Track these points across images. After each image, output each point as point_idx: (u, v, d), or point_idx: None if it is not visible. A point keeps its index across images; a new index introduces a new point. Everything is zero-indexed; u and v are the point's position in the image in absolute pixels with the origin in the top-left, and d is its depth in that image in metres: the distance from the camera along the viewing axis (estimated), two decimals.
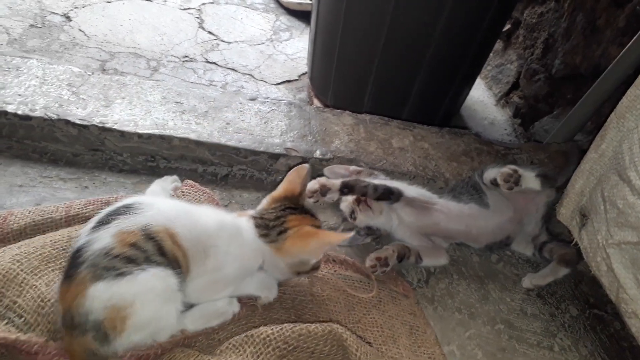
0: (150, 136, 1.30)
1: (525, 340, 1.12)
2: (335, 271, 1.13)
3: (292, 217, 0.95)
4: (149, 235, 0.80)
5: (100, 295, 0.73)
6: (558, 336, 1.15)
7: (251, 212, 1.00)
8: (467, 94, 2.05)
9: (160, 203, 0.90)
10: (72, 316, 0.74)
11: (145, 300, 0.77)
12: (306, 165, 1.03)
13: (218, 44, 2.40)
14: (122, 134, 1.30)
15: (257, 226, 0.95)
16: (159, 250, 0.80)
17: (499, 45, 2.36)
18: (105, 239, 0.77)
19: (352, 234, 0.99)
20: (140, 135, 1.30)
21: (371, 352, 0.90)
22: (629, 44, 1.43)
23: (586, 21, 1.75)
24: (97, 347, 0.74)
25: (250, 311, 0.99)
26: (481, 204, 1.24)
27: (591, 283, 1.28)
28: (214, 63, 2.23)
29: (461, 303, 1.17)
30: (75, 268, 0.75)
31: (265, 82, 2.21)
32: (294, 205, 0.99)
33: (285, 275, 1.00)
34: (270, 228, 0.94)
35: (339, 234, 0.95)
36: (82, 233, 0.81)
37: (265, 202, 1.01)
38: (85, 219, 1.02)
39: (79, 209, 1.03)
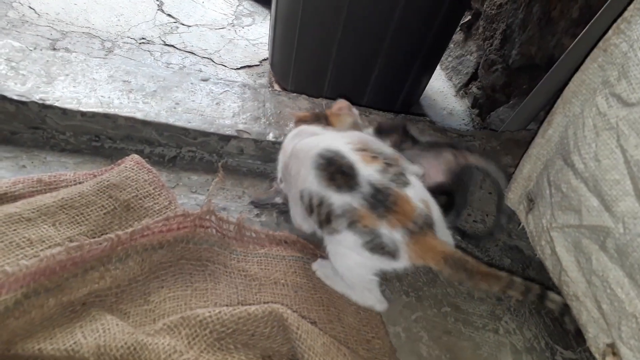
0: (94, 114, 1.25)
1: (471, 323, 1.12)
2: (281, 252, 1.11)
3: None
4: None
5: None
6: (503, 319, 1.16)
7: None
8: (426, 83, 2.06)
9: None
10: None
11: None
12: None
13: (177, 27, 2.34)
14: (64, 111, 1.24)
15: None
16: None
17: (459, 36, 2.38)
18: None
19: None
20: (83, 114, 1.25)
21: (312, 331, 0.88)
22: (580, 35, 1.45)
23: (542, 12, 1.77)
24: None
25: (190, 291, 0.96)
26: None
27: (538, 268, 1.30)
28: (172, 46, 2.17)
29: (409, 286, 1.16)
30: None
31: (225, 66, 2.16)
32: None
33: None
34: None
35: None
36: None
37: None
38: (14, 198, 0.98)
39: (6, 187, 0.98)
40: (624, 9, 0.96)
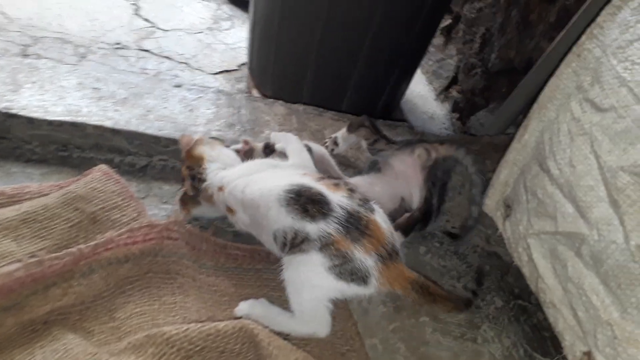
0: (61, 123, 1.22)
1: (449, 333, 1.11)
2: (254, 265, 1.08)
3: None
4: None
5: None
6: (482, 328, 1.14)
7: None
8: (407, 87, 2.04)
9: None
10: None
11: None
12: None
13: (154, 32, 2.30)
14: (31, 120, 1.20)
15: None
16: None
17: (440, 40, 2.37)
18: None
19: None
20: (50, 123, 1.21)
21: (284, 347, 0.86)
22: (557, 39, 1.45)
23: (520, 16, 1.76)
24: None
25: (157, 305, 0.93)
26: (376, 171, 1.29)
27: (517, 274, 1.28)
28: (148, 51, 2.14)
29: (386, 296, 1.14)
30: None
31: (202, 71, 2.13)
32: None
33: None
34: None
35: None
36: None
37: None
38: None
39: None
40: (598, 14, 0.95)
